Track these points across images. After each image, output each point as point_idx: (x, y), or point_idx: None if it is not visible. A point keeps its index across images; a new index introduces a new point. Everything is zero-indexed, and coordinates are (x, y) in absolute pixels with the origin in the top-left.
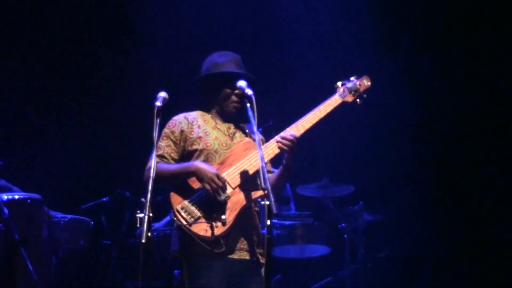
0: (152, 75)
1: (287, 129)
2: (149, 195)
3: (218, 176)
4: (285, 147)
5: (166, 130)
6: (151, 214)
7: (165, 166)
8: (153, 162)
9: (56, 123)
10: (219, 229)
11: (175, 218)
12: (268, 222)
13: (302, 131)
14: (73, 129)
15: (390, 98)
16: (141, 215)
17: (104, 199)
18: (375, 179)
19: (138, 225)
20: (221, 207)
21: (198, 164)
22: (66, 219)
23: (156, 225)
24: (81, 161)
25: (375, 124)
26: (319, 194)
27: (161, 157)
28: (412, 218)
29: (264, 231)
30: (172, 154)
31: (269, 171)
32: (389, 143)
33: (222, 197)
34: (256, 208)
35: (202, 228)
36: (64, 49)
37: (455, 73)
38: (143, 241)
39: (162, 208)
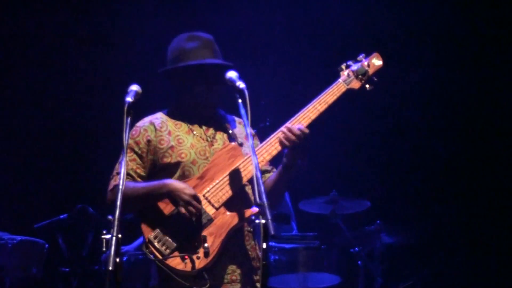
0: (119, 68)
1: (292, 119)
2: (117, 212)
3: (196, 197)
4: (286, 142)
5: (130, 141)
6: (119, 235)
7: (131, 186)
8: (121, 172)
9: (4, 124)
10: (201, 261)
11: (147, 251)
12: (264, 246)
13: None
14: (24, 132)
15: (413, 95)
16: (108, 236)
17: (62, 216)
18: (395, 193)
19: (104, 249)
20: (203, 233)
21: (170, 183)
22: (15, 241)
23: (126, 248)
24: (34, 170)
25: (395, 125)
26: (327, 210)
27: (127, 175)
28: (441, 241)
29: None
30: (138, 171)
31: (266, 171)
32: (413, 149)
33: (203, 221)
34: (249, 228)
35: (180, 261)
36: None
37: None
38: (110, 268)
39: (133, 227)
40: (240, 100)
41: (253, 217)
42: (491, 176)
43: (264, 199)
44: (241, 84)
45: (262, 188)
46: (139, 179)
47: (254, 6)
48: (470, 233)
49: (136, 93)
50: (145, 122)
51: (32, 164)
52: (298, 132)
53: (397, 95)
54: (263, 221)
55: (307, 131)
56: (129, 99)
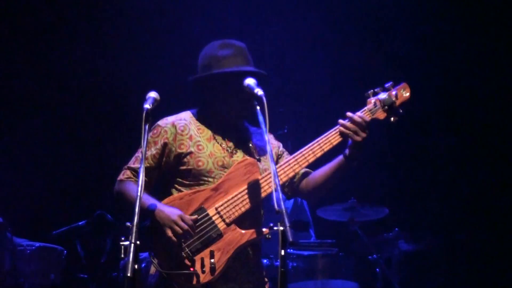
0: (139, 76)
1: (307, 148)
2: (136, 218)
3: (182, 218)
4: (347, 131)
5: (148, 138)
6: (138, 242)
7: (132, 192)
8: (140, 179)
9: (23, 131)
10: (206, 276)
11: (154, 261)
12: (282, 253)
13: (319, 155)
14: (43, 137)
15: (431, 103)
16: (126, 242)
17: (80, 223)
18: (414, 200)
19: (122, 255)
20: (212, 248)
21: (159, 209)
22: (34, 247)
23: (145, 254)
24: (52, 177)
25: (413, 133)
26: (345, 218)
27: (134, 171)
28: (458, 248)
29: (277, 263)
30: (147, 168)
31: (307, 173)
32: (432, 158)
33: (213, 236)
34: (267, 236)
35: (185, 274)
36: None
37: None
38: (129, 274)
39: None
40: (258, 107)
41: (271, 224)
42: None
43: (282, 206)
44: (259, 91)
45: (280, 195)
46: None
47: (273, 13)
48: (488, 240)
49: (155, 100)
50: (167, 122)
51: (50, 171)
52: (359, 120)
53: (416, 102)
54: (281, 228)
55: (368, 119)
56: (147, 106)
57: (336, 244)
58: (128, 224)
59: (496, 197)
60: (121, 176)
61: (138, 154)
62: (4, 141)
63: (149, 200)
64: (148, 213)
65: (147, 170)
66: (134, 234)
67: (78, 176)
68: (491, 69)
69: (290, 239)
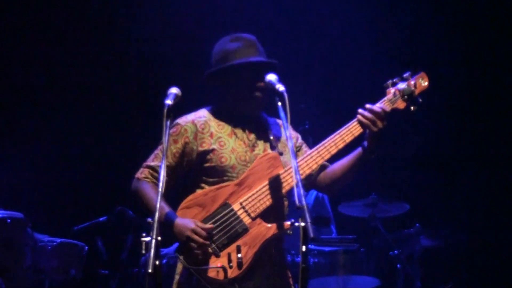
0: (160, 72)
1: (334, 137)
2: (157, 214)
3: (195, 231)
4: (366, 121)
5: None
6: (159, 238)
7: (149, 195)
8: (161, 174)
9: (43, 127)
10: (233, 271)
11: (180, 256)
12: (304, 248)
13: (341, 146)
14: (64, 133)
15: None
16: (147, 238)
17: (101, 218)
18: (435, 196)
19: (144, 251)
20: (238, 242)
21: (176, 222)
22: (55, 243)
23: (166, 250)
24: (73, 173)
25: (434, 129)
26: (366, 213)
27: (152, 170)
28: (482, 243)
29: (299, 259)
30: (167, 167)
31: (324, 166)
32: (453, 153)
33: (239, 231)
34: (289, 232)
35: (212, 269)
36: (57, 53)
37: None
38: (150, 270)
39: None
40: (279, 103)
41: (292, 220)
42: None
43: (304, 202)
44: (280, 87)
45: (301, 192)
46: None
47: (294, 8)
48: (509, 235)
49: (176, 95)
50: (187, 121)
51: (71, 167)
52: (378, 111)
53: (436, 97)
54: (302, 223)
55: (388, 109)
56: (168, 101)
57: (357, 240)
58: (149, 220)
59: None
60: (138, 175)
61: (157, 152)
62: (25, 138)
63: (163, 215)
64: (164, 218)
65: (167, 168)
66: (155, 230)
67: (99, 171)
68: None
69: (311, 235)
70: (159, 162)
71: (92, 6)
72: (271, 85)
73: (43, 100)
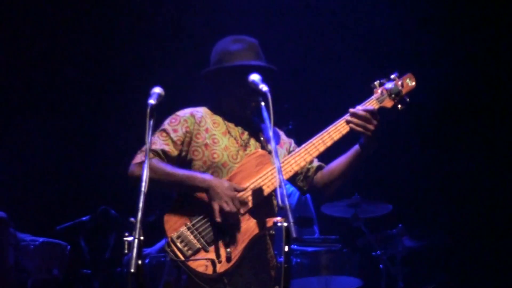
0: (143, 70)
1: (323, 133)
2: (139, 214)
3: (237, 199)
4: (358, 128)
5: (166, 126)
6: (142, 237)
7: (162, 165)
8: (144, 172)
9: (26, 126)
10: (222, 265)
11: (168, 250)
12: (286, 248)
13: (329, 143)
14: (46, 132)
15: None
16: (130, 238)
17: (84, 218)
18: (418, 196)
19: (126, 251)
20: (227, 237)
21: (212, 179)
22: (37, 242)
23: (148, 250)
24: (55, 172)
25: (417, 129)
26: (349, 214)
27: (154, 152)
28: (464, 244)
29: (281, 259)
30: (167, 149)
31: (320, 167)
32: (435, 153)
33: (209, 236)
34: (271, 231)
35: (201, 264)
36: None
37: None
38: (132, 270)
39: (155, 229)
40: (263, 103)
41: (278, 218)
42: None
43: (286, 202)
44: (264, 87)
45: (284, 192)
46: (165, 160)
47: (277, 7)
48: (492, 237)
49: (159, 95)
50: (186, 112)
51: (54, 166)
52: (363, 114)
53: (419, 98)
54: (285, 224)
55: (375, 108)
56: (152, 101)
57: (340, 240)
58: (132, 219)
59: (503, 194)
60: (142, 158)
61: (151, 140)
62: (7, 136)
63: (191, 170)
64: (198, 180)
65: (170, 155)
66: (138, 230)
67: (82, 171)
68: None
69: (294, 235)
70: (156, 146)
71: (81, 7)
72: (254, 85)
73: (25, 100)
